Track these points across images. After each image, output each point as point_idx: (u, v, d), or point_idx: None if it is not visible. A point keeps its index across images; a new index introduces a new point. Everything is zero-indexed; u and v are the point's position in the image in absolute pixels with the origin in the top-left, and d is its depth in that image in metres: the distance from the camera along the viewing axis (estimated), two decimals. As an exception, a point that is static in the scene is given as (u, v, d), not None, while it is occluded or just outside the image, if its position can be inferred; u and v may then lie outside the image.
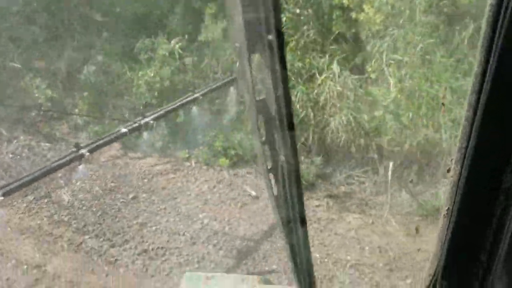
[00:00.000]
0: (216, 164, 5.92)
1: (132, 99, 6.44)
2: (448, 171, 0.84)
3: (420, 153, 4.93)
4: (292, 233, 1.08)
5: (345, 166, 5.45)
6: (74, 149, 4.24)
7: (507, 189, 0.78)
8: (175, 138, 6.09)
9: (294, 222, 1.03)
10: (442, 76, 4.66)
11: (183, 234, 4.84)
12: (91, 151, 4.37)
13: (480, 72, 0.72)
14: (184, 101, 5.40)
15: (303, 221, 1.03)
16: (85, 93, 6.64)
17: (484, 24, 0.68)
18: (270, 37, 0.71)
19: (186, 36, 6.45)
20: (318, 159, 5.40)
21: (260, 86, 0.82)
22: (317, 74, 5.69)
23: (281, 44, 0.72)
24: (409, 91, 4.86)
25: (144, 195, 5.58)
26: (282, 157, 0.89)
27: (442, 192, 4.79)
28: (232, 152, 5.85)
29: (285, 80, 0.76)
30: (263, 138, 0.91)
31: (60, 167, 4.20)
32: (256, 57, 0.77)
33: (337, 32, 5.97)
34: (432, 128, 4.73)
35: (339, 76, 5.48)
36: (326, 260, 4.45)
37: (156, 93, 6.20)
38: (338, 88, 5.40)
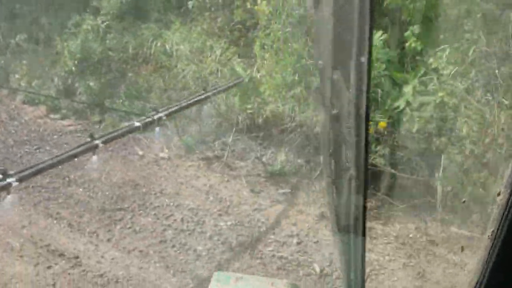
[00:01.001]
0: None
1: (61, 65, 7.24)
2: (499, 194, 0.85)
3: (273, 126, 5.55)
4: (349, 244, 1.07)
5: (224, 135, 6.06)
6: (89, 140, 4.27)
7: None
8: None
9: (354, 234, 1.03)
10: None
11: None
12: (104, 142, 4.35)
13: None
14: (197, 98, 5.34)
15: (363, 234, 1.02)
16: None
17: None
18: (363, 59, 0.74)
19: (111, 16, 7.22)
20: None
21: (335, 101, 0.84)
22: (209, 56, 6.39)
23: (369, 66, 0.75)
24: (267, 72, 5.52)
25: (47, 147, 6.32)
26: (351, 171, 0.91)
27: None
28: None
29: (368, 98, 0.78)
30: (331, 151, 0.92)
31: (74, 156, 4.21)
32: (337, 74, 0.79)
33: (237, 20, 6.67)
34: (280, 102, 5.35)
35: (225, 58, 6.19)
36: (171, 204, 5.06)
37: (76, 62, 6.98)
38: (220, 68, 6.09)
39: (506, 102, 4.23)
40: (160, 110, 4.85)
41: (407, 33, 5.08)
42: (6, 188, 3.54)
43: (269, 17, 6.16)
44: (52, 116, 7.11)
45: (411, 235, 4.59)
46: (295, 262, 4.26)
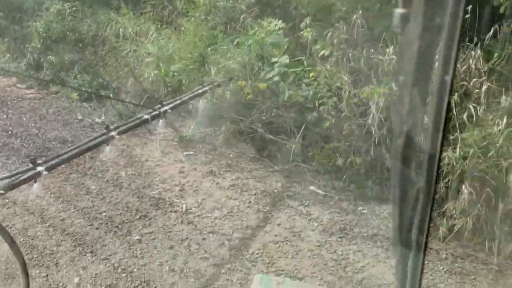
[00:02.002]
0: (72, 98, 7.67)
1: (29, 43, 8.35)
2: None
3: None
4: (408, 257, 1.06)
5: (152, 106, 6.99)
6: (105, 131, 4.58)
7: None
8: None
9: (416, 248, 1.02)
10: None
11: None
12: (119, 133, 4.68)
13: None
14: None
15: (425, 248, 1.01)
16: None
17: None
18: (447, 77, 0.76)
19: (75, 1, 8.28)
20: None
21: (411, 116, 0.86)
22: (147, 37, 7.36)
23: (452, 85, 0.77)
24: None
25: (4, 108, 7.42)
26: (421, 184, 0.91)
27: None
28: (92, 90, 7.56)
29: (446, 116, 0.80)
30: (403, 165, 0.95)
31: (95, 146, 4.54)
32: (416, 90, 0.83)
33: (179, 9, 7.63)
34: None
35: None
36: (87, 156, 6.02)
37: (41, 40, 8.07)
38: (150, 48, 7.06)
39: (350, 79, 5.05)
40: (164, 103, 5.38)
41: (302, 24, 5.92)
42: (37, 176, 3.71)
43: (202, 7, 7.12)
44: (19, 85, 8.21)
45: (275, 190, 5.44)
46: (169, 202, 5.17)
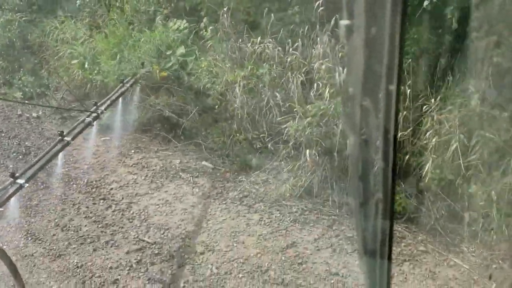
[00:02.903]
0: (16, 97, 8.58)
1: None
2: None
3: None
4: (375, 268, 1.08)
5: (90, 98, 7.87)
6: (60, 138, 4.72)
7: None
8: None
9: (380, 257, 1.04)
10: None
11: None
12: (73, 138, 4.92)
13: None
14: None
15: (389, 257, 1.04)
16: None
17: None
18: (391, 87, 0.78)
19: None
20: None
21: (365, 127, 0.88)
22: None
23: (398, 94, 0.79)
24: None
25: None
26: (378, 194, 0.93)
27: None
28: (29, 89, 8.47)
29: (397, 125, 0.83)
30: (360, 174, 0.96)
31: (57, 153, 4.68)
32: (367, 101, 0.84)
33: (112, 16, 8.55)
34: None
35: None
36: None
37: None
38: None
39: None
40: (98, 104, 5.68)
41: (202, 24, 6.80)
42: (19, 189, 3.82)
43: (127, 13, 8.04)
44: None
45: (173, 165, 6.28)
46: (75, 177, 6.03)
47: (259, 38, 5.82)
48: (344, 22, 0.82)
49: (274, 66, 5.61)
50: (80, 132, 5.27)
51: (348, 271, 4.42)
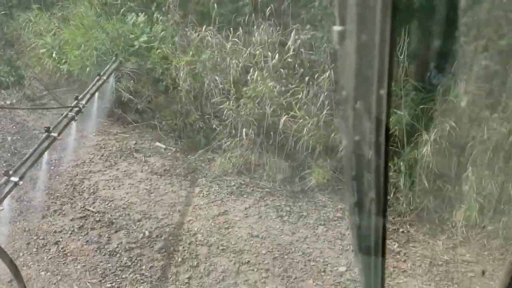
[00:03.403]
0: None
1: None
2: None
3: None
4: (370, 265, 1.12)
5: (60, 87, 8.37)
6: (46, 133, 4.68)
7: None
8: None
9: (375, 255, 1.08)
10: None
11: None
12: (59, 134, 4.88)
13: None
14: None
15: (383, 255, 1.08)
16: None
17: None
18: (382, 91, 0.80)
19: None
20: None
21: (357, 129, 0.90)
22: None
23: (389, 97, 0.81)
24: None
25: None
26: (372, 194, 0.96)
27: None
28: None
29: (388, 127, 0.85)
30: (354, 174, 0.98)
31: (48, 147, 4.69)
32: (359, 104, 0.85)
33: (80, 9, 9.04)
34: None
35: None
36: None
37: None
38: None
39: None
40: (79, 97, 5.59)
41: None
42: (14, 187, 3.83)
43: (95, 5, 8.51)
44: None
45: (129, 146, 6.77)
46: (38, 157, 6.51)
47: (204, 27, 6.29)
48: (336, 27, 0.83)
49: (216, 52, 6.07)
50: (65, 127, 5.17)
51: (268, 234, 4.91)
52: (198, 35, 6.31)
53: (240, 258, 4.56)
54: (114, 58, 6.75)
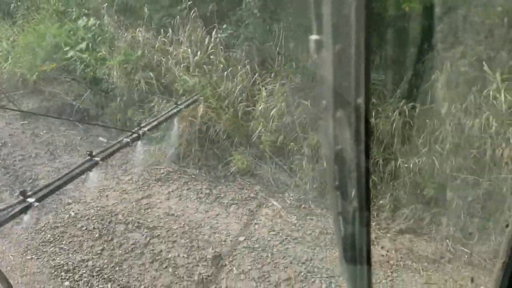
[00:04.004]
0: None
1: None
2: (507, 226, 0.96)
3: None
4: (356, 273, 1.13)
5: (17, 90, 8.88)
6: (88, 157, 4.60)
7: None
8: None
9: (360, 263, 1.08)
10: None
11: None
12: (102, 159, 4.74)
13: None
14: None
15: (369, 263, 1.08)
16: None
17: None
18: (359, 100, 0.81)
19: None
20: None
21: (339, 138, 0.90)
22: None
23: (367, 107, 0.81)
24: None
25: None
26: (354, 203, 0.97)
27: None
28: None
29: (368, 137, 0.85)
30: (337, 183, 0.98)
31: (81, 173, 4.54)
32: (339, 113, 0.86)
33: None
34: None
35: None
36: None
37: None
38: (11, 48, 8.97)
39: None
40: (142, 125, 5.30)
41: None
42: (28, 208, 3.71)
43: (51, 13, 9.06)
44: None
45: (74, 142, 7.27)
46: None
47: (138, 29, 6.85)
48: (313, 37, 0.83)
49: (146, 51, 6.63)
50: (113, 153, 5.03)
51: (183, 213, 5.42)
52: (132, 36, 6.85)
53: (152, 233, 5.06)
54: (194, 95, 6.18)
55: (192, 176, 6.17)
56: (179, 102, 5.82)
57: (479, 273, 4.37)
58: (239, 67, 6.11)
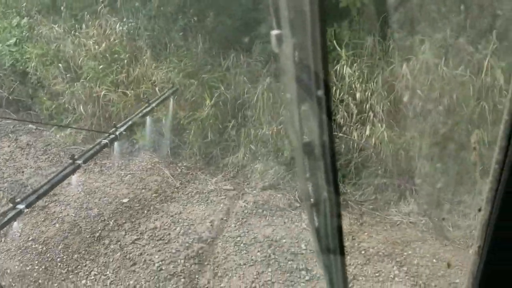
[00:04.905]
0: None
1: None
2: (480, 210, 0.91)
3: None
4: (331, 263, 1.15)
5: None
6: (71, 161, 4.77)
7: None
8: None
9: (333, 252, 1.10)
10: None
11: None
12: (85, 161, 4.90)
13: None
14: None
15: (342, 252, 1.10)
16: None
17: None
18: (319, 92, 0.81)
19: None
20: None
21: (306, 131, 0.92)
22: None
23: (328, 97, 0.82)
24: None
25: None
26: (324, 194, 0.97)
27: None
28: None
29: (330, 128, 0.87)
30: (308, 175, 1.00)
31: (65, 177, 4.75)
32: (304, 106, 0.88)
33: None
34: None
35: None
36: None
37: None
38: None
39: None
40: (118, 126, 5.64)
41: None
42: (19, 214, 3.88)
43: None
44: None
45: (9, 129, 8.04)
46: None
47: (56, 25, 7.64)
48: (273, 32, 0.84)
49: (61, 45, 7.42)
50: (94, 155, 5.39)
51: (84, 183, 6.22)
52: (49, 31, 7.64)
53: (51, 198, 5.87)
54: (171, 86, 6.56)
55: (104, 153, 6.96)
56: (150, 100, 6.18)
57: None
58: (139, 55, 6.92)
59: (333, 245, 1.07)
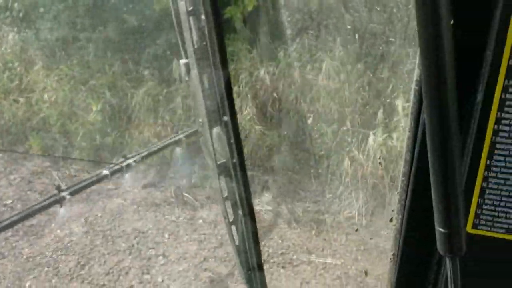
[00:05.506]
0: None
1: None
2: (391, 220, 0.96)
3: None
4: (251, 278, 1.22)
5: None
6: (56, 192, 4.06)
7: None
8: None
9: (253, 269, 1.19)
10: None
11: None
12: (72, 194, 4.12)
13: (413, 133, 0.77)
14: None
15: (260, 268, 1.19)
16: None
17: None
18: (225, 118, 0.91)
19: None
20: None
21: (219, 152, 1.00)
22: None
23: (234, 123, 0.91)
24: None
25: None
26: (240, 212, 1.06)
27: None
28: None
29: (240, 149, 0.95)
30: (225, 195, 1.08)
31: (42, 209, 4.00)
32: (216, 130, 0.97)
33: None
34: None
35: None
36: None
37: None
38: None
39: None
40: (128, 156, 4.81)
41: None
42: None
43: None
44: None
45: None
46: None
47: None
48: (182, 60, 0.92)
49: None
50: (85, 187, 4.40)
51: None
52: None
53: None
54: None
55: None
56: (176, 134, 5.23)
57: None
58: (31, 64, 7.19)
59: (251, 261, 1.16)
